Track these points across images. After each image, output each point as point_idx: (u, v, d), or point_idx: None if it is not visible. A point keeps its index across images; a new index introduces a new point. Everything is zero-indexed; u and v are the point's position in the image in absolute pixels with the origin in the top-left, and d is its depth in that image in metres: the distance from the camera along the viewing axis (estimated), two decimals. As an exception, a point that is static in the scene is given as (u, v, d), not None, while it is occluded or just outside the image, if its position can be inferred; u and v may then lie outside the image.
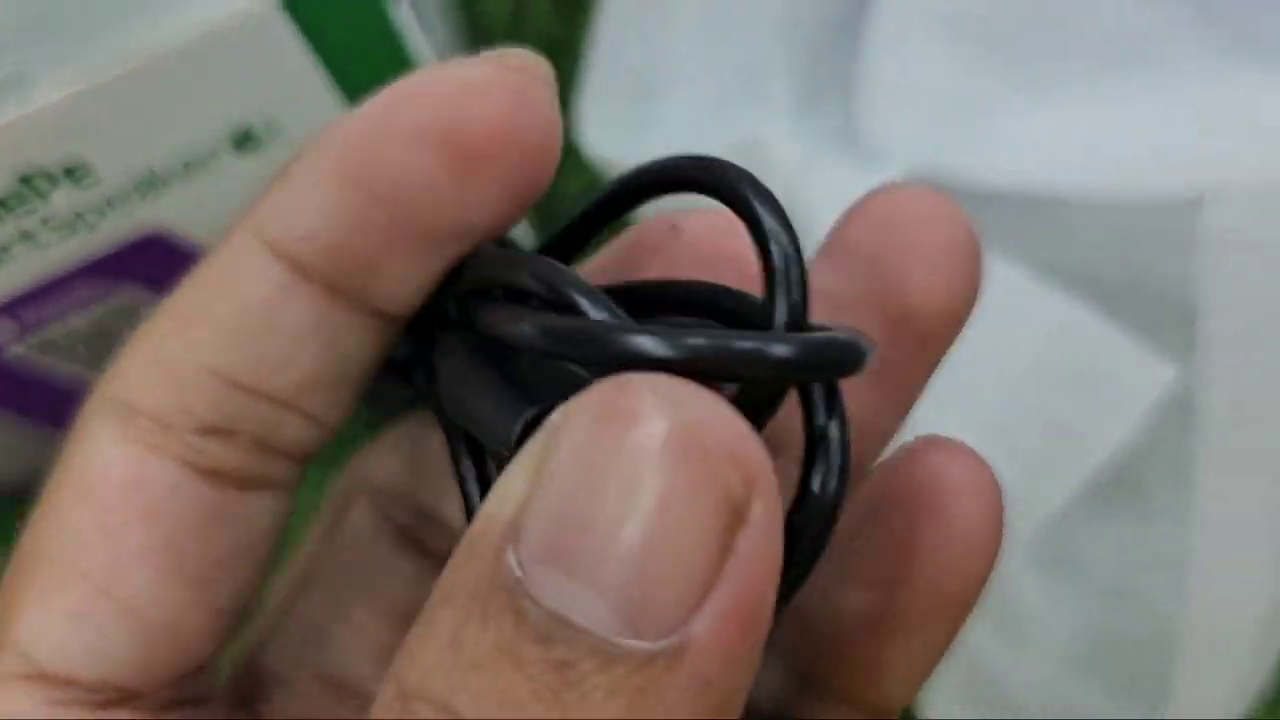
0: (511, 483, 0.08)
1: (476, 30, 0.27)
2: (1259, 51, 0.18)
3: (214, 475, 0.10)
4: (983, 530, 0.10)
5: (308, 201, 0.10)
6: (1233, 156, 0.17)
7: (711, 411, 0.07)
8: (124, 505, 0.10)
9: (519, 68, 0.10)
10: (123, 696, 0.10)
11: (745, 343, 0.08)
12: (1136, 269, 0.17)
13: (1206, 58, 0.18)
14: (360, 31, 0.14)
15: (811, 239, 0.17)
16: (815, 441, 0.09)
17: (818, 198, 0.16)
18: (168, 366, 0.10)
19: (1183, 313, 0.17)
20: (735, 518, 0.08)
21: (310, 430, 0.10)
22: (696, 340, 0.08)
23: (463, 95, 0.09)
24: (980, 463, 0.10)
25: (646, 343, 0.08)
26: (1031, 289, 0.17)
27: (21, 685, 0.10)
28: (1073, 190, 0.17)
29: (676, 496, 0.07)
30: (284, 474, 0.11)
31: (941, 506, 0.10)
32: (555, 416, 0.08)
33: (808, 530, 0.09)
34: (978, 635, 0.17)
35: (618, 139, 0.19)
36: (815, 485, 0.09)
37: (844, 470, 0.09)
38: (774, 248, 0.09)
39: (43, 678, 0.10)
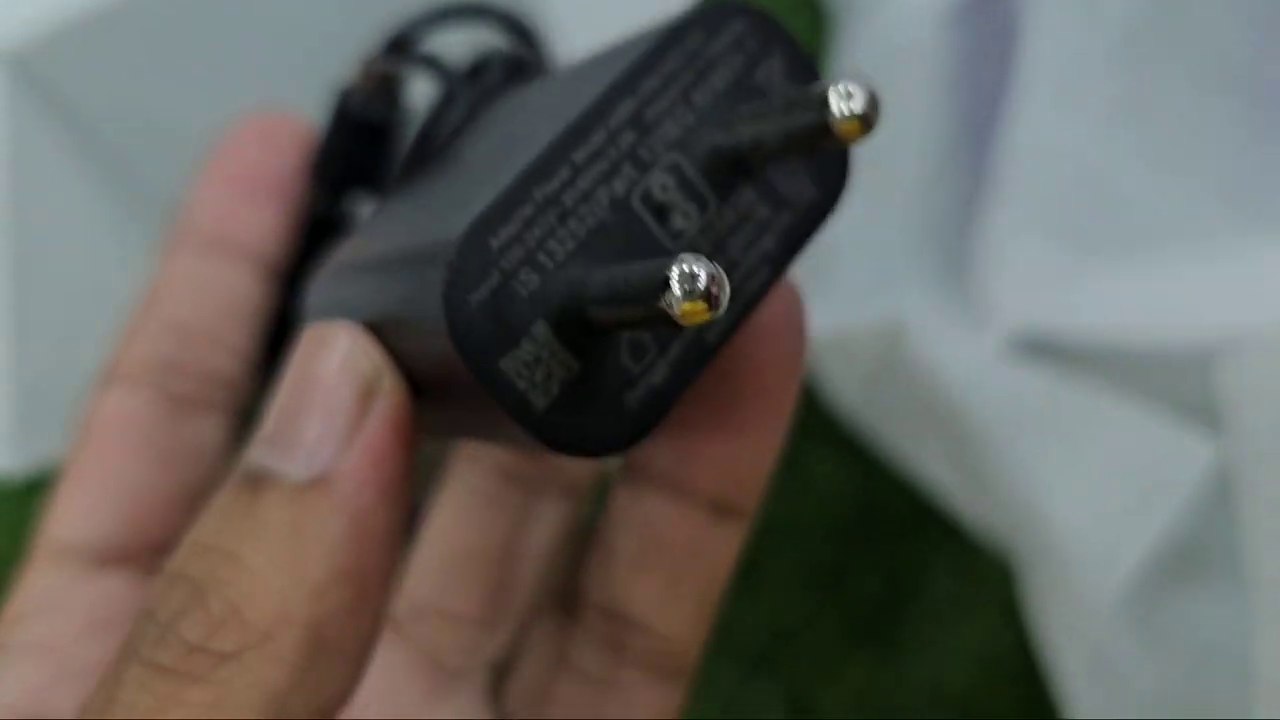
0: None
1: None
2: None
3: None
4: (785, 327, 0.13)
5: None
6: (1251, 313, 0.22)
7: (360, 340, 0.11)
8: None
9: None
10: (121, 556, 0.15)
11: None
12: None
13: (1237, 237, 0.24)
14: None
15: (941, 410, 0.23)
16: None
17: (948, 364, 0.23)
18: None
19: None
20: (368, 391, 0.11)
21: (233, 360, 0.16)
22: None
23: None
24: (794, 289, 0.13)
25: None
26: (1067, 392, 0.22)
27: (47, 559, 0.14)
28: (1134, 342, 0.23)
29: (327, 376, 0.11)
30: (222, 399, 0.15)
31: (763, 311, 0.12)
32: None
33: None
34: (1077, 684, 0.23)
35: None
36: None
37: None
38: None
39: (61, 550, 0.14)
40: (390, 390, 0.11)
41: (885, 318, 0.24)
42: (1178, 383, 0.22)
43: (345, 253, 0.14)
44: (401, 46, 0.16)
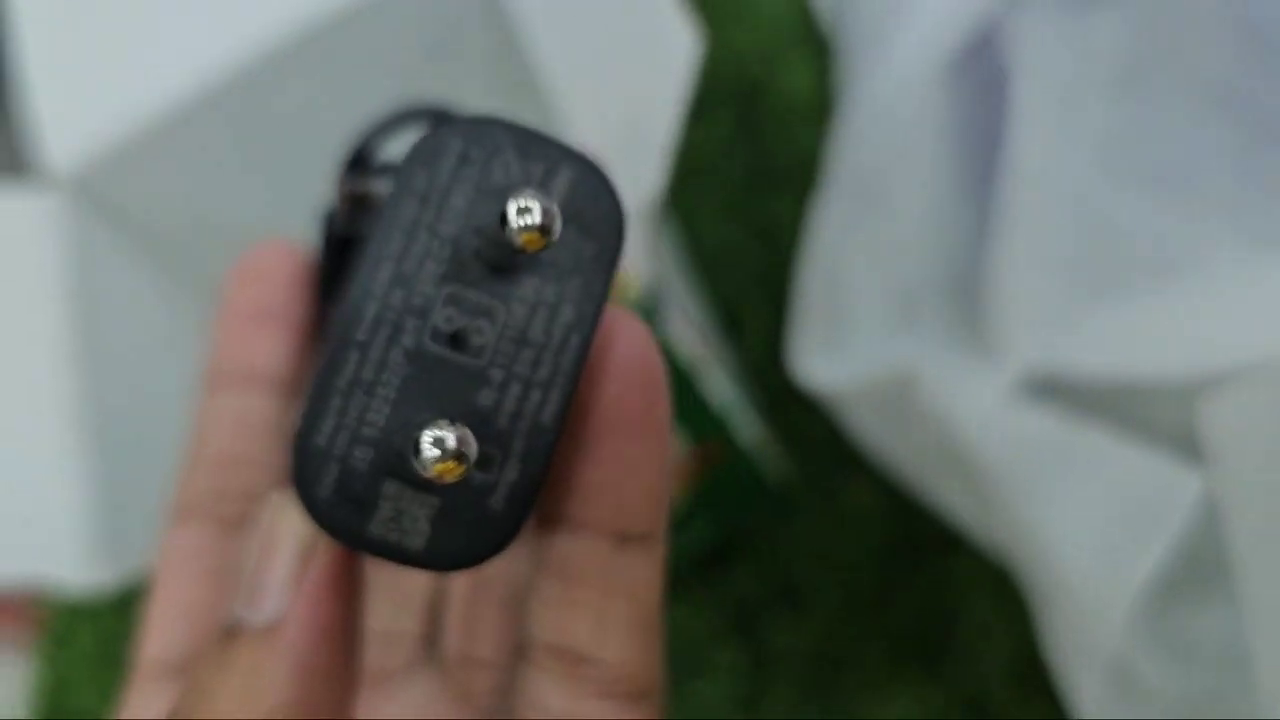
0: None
1: (701, 262, 0.36)
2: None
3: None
4: (636, 362, 0.13)
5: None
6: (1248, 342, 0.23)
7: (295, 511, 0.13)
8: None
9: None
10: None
11: None
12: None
13: (1234, 262, 0.24)
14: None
15: (955, 451, 0.24)
16: None
17: (959, 408, 0.24)
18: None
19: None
20: (307, 551, 0.13)
21: None
22: None
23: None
24: (631, 318, 0.13)
25: None
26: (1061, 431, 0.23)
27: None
28: (1136, 377, 0.24)
29: (275, 542, 0.13)
30: None
31: (606, 352, 0.13)
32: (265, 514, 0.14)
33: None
34: (1096, 688, 0.24)
35: (819, 366, 0.27)
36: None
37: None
38: None
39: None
40: (323, 551, 0.13)
41: (898, 366, 0.25)
42: (1179, 414, 0.23)
43: None
44: (361, 162, 0.18)
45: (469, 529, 0.12)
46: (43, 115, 0.29)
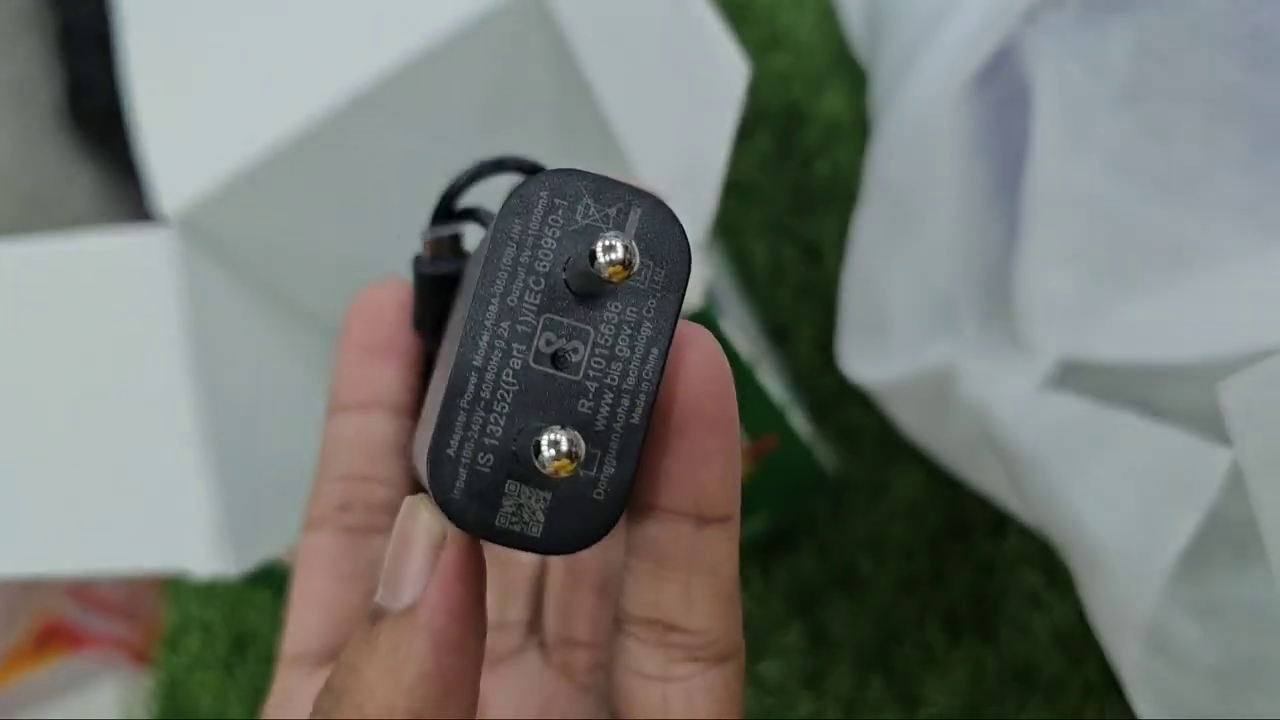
0: None
1: (747, 279, 0.38)
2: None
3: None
4: (709, 367, 0.15)
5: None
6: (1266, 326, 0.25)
7: (433, 509, 0.15)
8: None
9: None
10: (332, 656, 0.19)
11: None
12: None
13: (1246, 253, 0.26)
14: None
15: (995, 440, 0.26)
16: None
17: (995, 399, 0.26)
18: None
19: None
20: (438, 545, 0.15)
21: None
22: None
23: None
24: (701, 330, 0.15)
25: None
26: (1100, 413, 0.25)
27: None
28: (1168, 359, 0.26)
29: (413, 540, 0.15)
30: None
31: (681, 360, 0.15)
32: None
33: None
34: (1141, 654, 0.26)
35: (865, 366, 0.29)
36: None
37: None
38: None
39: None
40: (454, 539, 0.15)
41: (938, 363, 0.28)
42: (1198, 397, 0.25)
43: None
44: (446, 210, 0.20)
45: (578, 517, 0.14)
46: (153, 161, 0.32)
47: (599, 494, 0.14)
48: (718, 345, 0.15)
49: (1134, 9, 0.29)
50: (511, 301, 0.14)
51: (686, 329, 0.15)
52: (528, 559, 0.21)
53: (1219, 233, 0.27)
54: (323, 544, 0.20)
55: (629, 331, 0.15)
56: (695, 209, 0.23)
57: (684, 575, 0.16)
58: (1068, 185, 0.28)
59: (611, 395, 0.14)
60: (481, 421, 0.14)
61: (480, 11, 0.31)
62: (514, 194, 0.14)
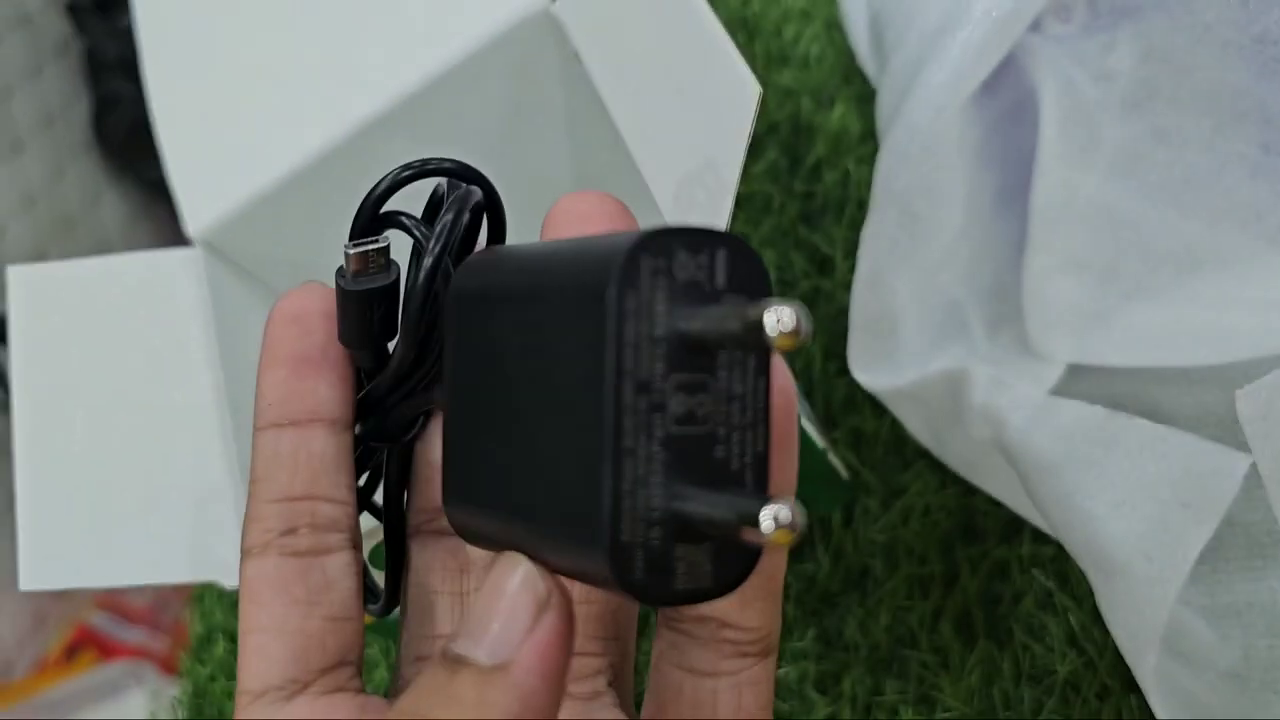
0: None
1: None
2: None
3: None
4: (786, 387, 0.16)
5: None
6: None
7: (535, 567, 0.15)
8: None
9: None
10: (298, 686, 0.18)
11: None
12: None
13: (1254, 258, 0.27)
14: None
15: (1006, 446, 0.26)
16: None
17: (1007, 405, 0.27)
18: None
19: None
20: (540, 606, 0.15)
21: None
22: None
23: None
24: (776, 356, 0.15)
25: None
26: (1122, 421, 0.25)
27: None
28: (1178, 365, 0.26)
29: (510, 594, 0.15)
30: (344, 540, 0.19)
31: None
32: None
33: None
34: (1165, 661, 0.26)
35: (875, 373, 0.30)
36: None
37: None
38: None
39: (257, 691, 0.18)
40: (557, 605, 0.15)
41: (948, 370, 0.28)
42: (1208, 401, 0.25)
43: (454, 482, 0.18)
44: (371, 220, 0.19)
45: (735, 556, 0.15)
46: (177, 184, 0.33)
47: (735, 548, 0.15)
48: (781, 359, 0.16)
49: (1139, 15, 0.30)
50: (643, 375, 0.14)
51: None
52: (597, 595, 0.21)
53: (1227, 237, 0.28)
54: (270, 570, 0.18)
55: (739, 370, 0.15)
56: (710, 220, 0.24)
57: None
58: (1075, 191, 0.29)
59: (739, 434, 0.15)
60: (645, 500, 0.14)
61: (495, 31, 0.32)
62: (621, 270, 0.14)
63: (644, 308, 0.14)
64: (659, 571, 0.14)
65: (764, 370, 0.15)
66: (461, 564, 0.20)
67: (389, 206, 0.19)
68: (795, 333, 0.13)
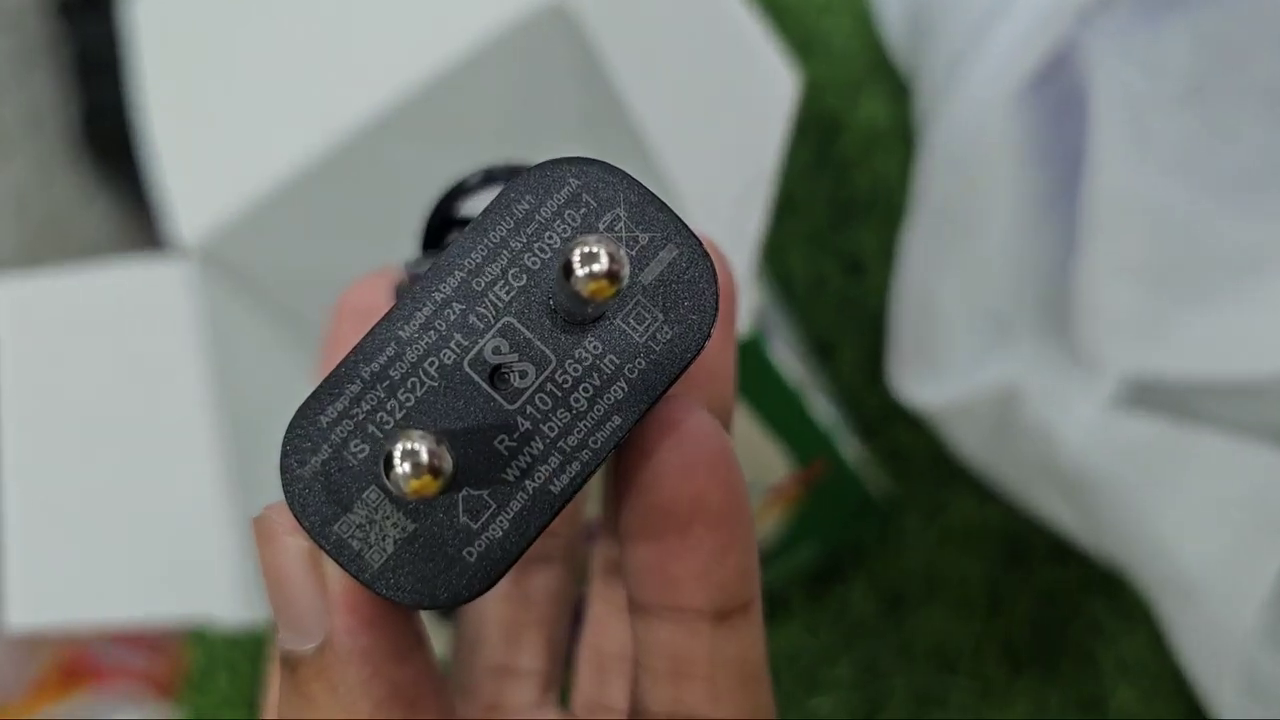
0: None
1: (787, 294, 0.37)
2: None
3: None
4: (712, 456, 0.13)
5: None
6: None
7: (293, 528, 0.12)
8: None
9: None
10: None
11: None
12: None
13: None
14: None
15: (1060, 463, 0.25)
16: None
17: (1062, 421, 0.25)
18: None
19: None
20: (316, 564, 0.12)
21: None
22: None
23: None
24: (701, 413, 0.13)
25: None
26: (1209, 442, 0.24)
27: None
28: (1241, 374, 0.24)
29: (285, 575, 0.12)
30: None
31: (676, 447, 0.13)
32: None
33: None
34: (1231, 691, 0.24)
35: (919, 388, 0.28)
36: None
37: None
38: None
39: None
40: (329, 565, 0.12)
41: (997, 383, 0.26)
42: (1275, 412, 0.23)
43: None
44: (438, 232, 0.17)
45: (430, 568, 0.11)
46: (171, 193, 0.31)
47: (470, 552, 0.11)
48: (718, 428, 0.13)
49: (1191, 6, 0.28)
50: (478, 285, 0.12)
51: (679, 412, 0.13)
52: (542, 597, 0.19)
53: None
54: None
55: (596, 383, 0.12)
56: (742, 233, 0.22)
57: (707, 671, 0.14)
58: (1128, 191, 0.27)
59: (541, 446, 0.12)
60: (375, 403, 0.11)
61: (503, 27, 0.30)
62: (541, 167, 0.12)
63: (532, 224, 0.12)
64: (330, 492, 0.11)
65: (625, 413, 0.12)
66: (525, 592, 0.19)
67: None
68: (608, 276, 0.11)
